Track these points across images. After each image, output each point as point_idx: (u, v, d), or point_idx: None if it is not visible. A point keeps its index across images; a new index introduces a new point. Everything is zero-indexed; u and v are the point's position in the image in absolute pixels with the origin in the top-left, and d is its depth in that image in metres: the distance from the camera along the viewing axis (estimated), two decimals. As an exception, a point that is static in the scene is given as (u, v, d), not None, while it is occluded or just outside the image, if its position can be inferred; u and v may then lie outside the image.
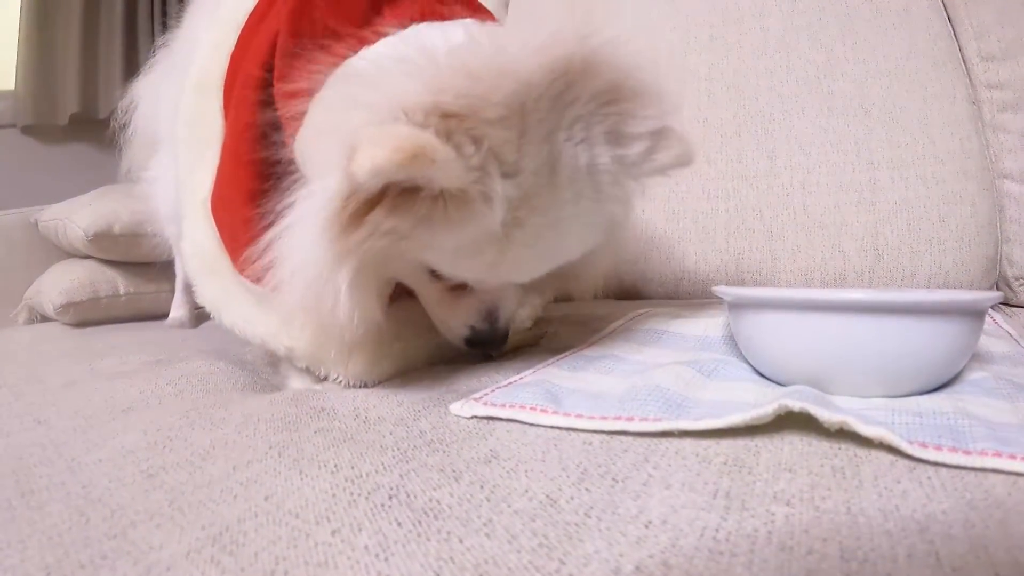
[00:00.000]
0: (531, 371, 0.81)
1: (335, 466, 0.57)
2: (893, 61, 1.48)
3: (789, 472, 0.50)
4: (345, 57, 0.82)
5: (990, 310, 1.05)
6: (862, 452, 0.53)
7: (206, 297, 0.99)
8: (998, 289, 1.41)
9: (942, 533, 0.41)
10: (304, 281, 0.74)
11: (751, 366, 0.76)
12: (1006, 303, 1.42)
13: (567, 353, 0.89)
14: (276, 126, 0.90)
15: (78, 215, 1.94)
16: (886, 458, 0.52)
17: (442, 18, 0.88)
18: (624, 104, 0.75)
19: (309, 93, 0.82)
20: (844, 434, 0.54)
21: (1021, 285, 1.39)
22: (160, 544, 0.48)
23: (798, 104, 1.50)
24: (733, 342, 0.82)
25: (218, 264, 0.95)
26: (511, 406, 0.66)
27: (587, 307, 1.31)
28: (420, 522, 0.47)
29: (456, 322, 0.89)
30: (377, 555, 0.44)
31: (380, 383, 0.92)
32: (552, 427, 0.63)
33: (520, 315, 1.03)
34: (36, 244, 2.23)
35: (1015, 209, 1.40)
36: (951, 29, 1.52)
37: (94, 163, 3.03)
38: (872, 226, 1.38)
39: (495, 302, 0.89)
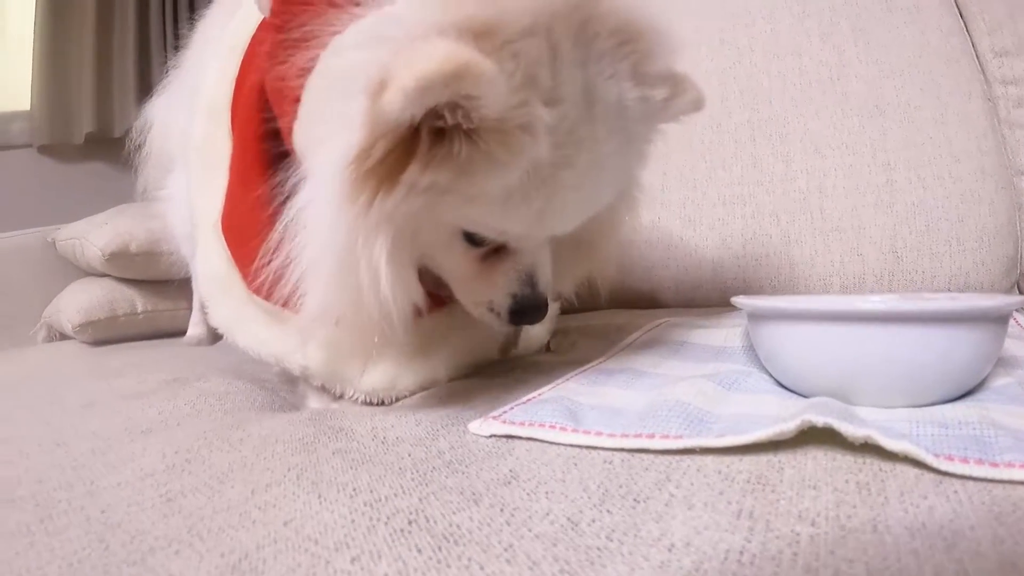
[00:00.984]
0: (549, 387, 0.80)
1: (354, 489, 0.56)
2: (906, 60, 1.47)
3: (813, 489, 0.50)
4: (333, 36, 0.77)
5: (1014, 313, 1.04)
6: (887, 466, 0.52)
7: (219, 318, 0.99)
8: (1019, 288, 1.40)
9: (970, 551, 0.41)
10: (329, 267, 0.71)
11: (772, 377, 0.76)
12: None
13: (586, 367, 0.89)
14: (278, 135, 0.90)
15: (95, 234, 1.96)
16: (912, 472, 0.51)
17: None
18: (640, 44, 0.73)
19: (302, 76, 0.80)
20: (868, 448, 0.53)
21: None
22: (180, 572, 0.48)
23: (812, 107, 1.50)
24: (753, 352, 0.81)
25: (230, 285, 0.96)
26: (530, 424, 0.66)
27: (605, 317, 1.31)
28: (440, 548, 0.46)
29: (498, 294, 0.84)
30: (397, 584, 0.44)
31: (398, 400, 0.92)
32: (572, 445, 0.62)
33: (538, 328, 1.03)
34: (54, 263, 2.26)
35: None
36: (963, 25, 1.52)
37: (110, 181, 3.04)
38: (890, 228, 1.38)
39: (533, 266, 0.85)
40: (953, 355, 0.63)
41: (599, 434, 0.62)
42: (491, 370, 0.98)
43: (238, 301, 0.95)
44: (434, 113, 0.63)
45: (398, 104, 0.60)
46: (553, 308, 1.02)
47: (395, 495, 0.55)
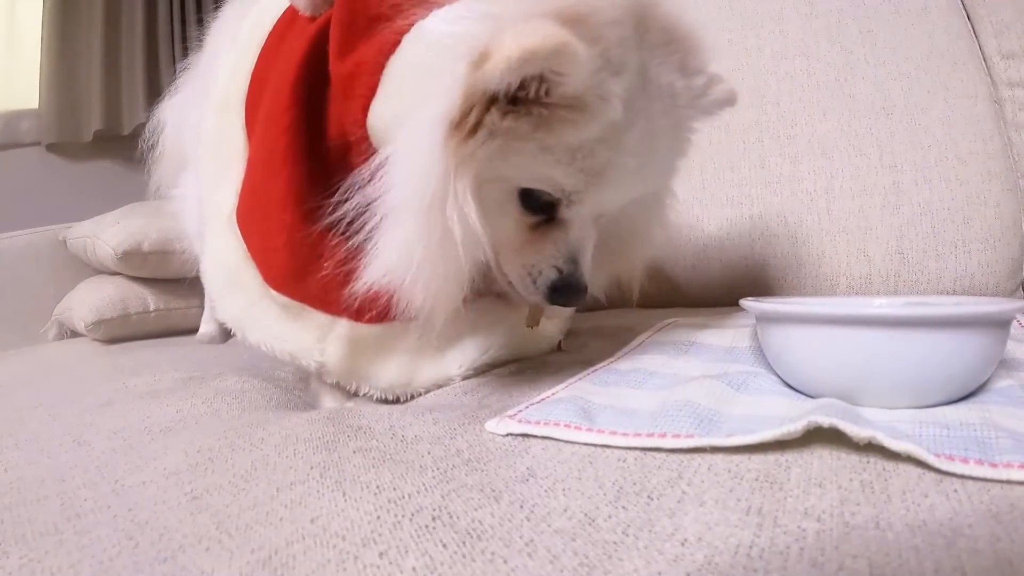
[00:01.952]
0: (563, 386, 0.82)
1: (377, 487, 0.58)
2: (913, 62, 1.49)
3: (819, 487, 0.52)
4: (413, 22, 0.83)
5: (1017, 316, 1.06)
6: (890, 465, 0.54)
7: (229, 314, 1.00)
8: (1023, 289, 1.42)
9: (968, 548, 0.43)
10: (419, 204, 0.75)
11: (780, 378, 0.78)
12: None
13: (598, 366, 0.91)
14: (321, 120, 0.94)
15: (107, 233, 1.98)
16: (914, 471, 0.53)
17: None
18: (684, 43, 0.83)
19: (382, 63, 0.85)
20: (872, 447, 0.56)
21: None
22: (211, 569, 0.50)
23: (819, 108, 1.52)
24: (761, 353, 0.83)
25: (243, 278, 0.97)
26: (545, 423, 0.68)
27: (614, 317, 1.32)
28: (464, 543, 0.49)
29: (544, 262, 0.87)
30: (426, 576, 0.46)
31: (413, 398, 0.94)
32: (587, 444, 0.64)
33: (551, 328, 1.05)
34: (64, 261, 2.29)
35: None
36: (971, 27, 1.54)
37: (118, 179, 3.08)
38: (896, 229, 1.40)
39: (578, 245, 0.88)
40: (956, 359, 0.65)
41: (613, 433, 0.64)
42: (503, 369, 0.99)
43: (250, 296, 0.97)
44: (521, 84, 0.70)
45: (500, 71, 0.68)
46: (565, 314, 1.05)
47: (418, 492, 0.57)
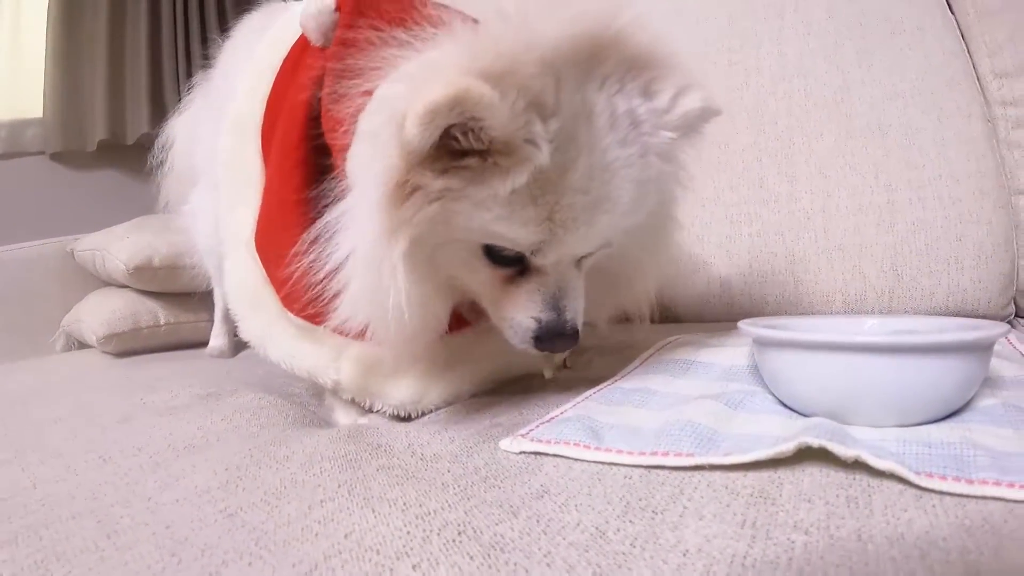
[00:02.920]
0: (571, 405, 0.87)
1: (404, 504, 0.64)
2: (908, 82, 1.53)
3: (808, 503, 0.58)
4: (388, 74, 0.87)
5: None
6: (874, 482, 0.60)
7: (251, 333, 1.06)
8: (1015, 304, 1.46)
9: (941, 560, 0.48)
10: (360, 262, 0.80)
11: (775, 397, 0.83)
12: (1023, 316, 1.48)
13: (603, 385, 0.96)
14: (325, 156, 0.98)
15: (117, 247, 2.02)
16: (896, 487, 0.59)
17: None
18: (652, 71, 0.83)
19: (353, 121, 0.89)
20: (859, 465, 0.61)
21: None
22: (256, 581, 0.55)
23: (817, 128, 1.56)
24: (758, 372, 0.88)
25: (262, 299, 1.03)
26: (556, 442, 0.74)
27: (617, 333, 1.36)
28: (489, 555, 0.54)
29: (521, 315, 0.87)
30: (457, 586, 0.52)
31: (424, 414, 0.99)
32: (595, 462, 0.70)
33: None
34: (72, 272, 2.31)
35: None
36: (965, 47, 1.57)
37: (122, 189, 3.11)
38: (891, 247, 1.44)
39: (559, 288, 0.87)
40: (940, 382, 0.71)
41: (619, 452, 0.70)
42: (512, 386, 1.04)
43: (270, 316, 1.02)
44: (448, 135, 0.74)
45: (416, 130, 0.71)
46: None
47: (442, 509, 0.62)
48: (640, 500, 0.61)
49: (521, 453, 0.75)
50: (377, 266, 0.79)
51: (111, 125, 3.11)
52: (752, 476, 0.63)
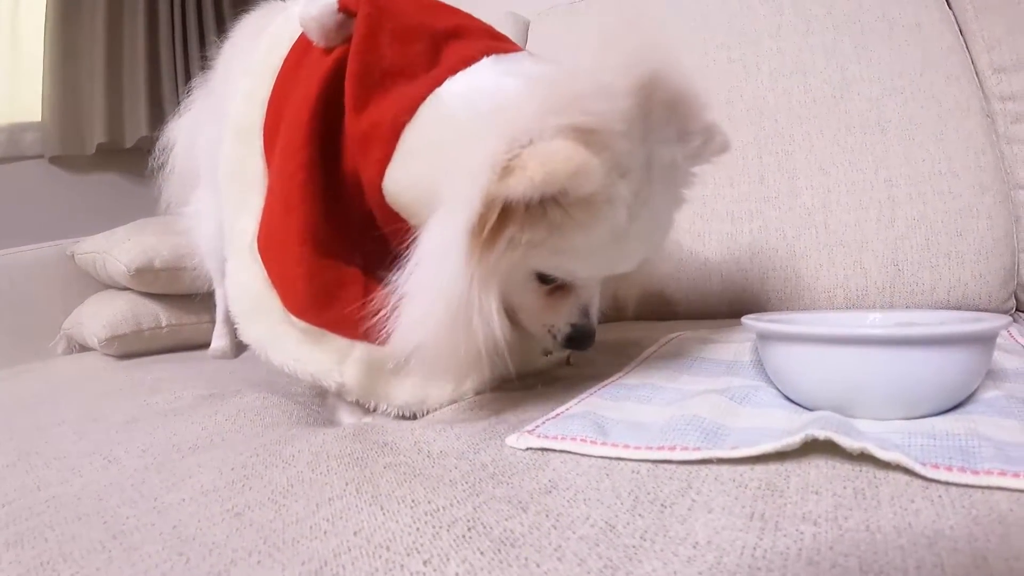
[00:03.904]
0: (576, 401, 0.88)
1: (412, 501, 0.64)
2: (907, 77, 1.54)
3: (816, 494, 0.58)
4: (434, 86, 0.91)
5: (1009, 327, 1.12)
6: (881, 474, 0.60)
7: (253, 337, 1.05)
8: (1016, 298, 1.47)
9: (948, 547, 0.49)
10: (447, 311, 0.80)
11: (779, 391, 0.83)
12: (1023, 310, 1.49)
13: (607, 382, 0.97)
14: (336, 157, 0.99)
15: (119, 250, 2.02)
16: (902, 479, 0.59)
17: (505, 51, 0.98)
18: (681, 107, 0.86)
19: (399, 126, 0.91)
20: (865, 457, 0.61)
21: None
22: (266, 579, 0.56)
23: (816, 124, 1.57)
24: (761, 367, 0.89)
25: (265, 303, 1.02)
26: (563, 438, 0.74)
27: (620, 331, 1.37)
28: (500, 550, 0.55)
29: (560, 321, 0.97)
30: (467, 581, 0.52)
31: (428, 413, 1.00)
32: (602, 457, 0.70)
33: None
34: (72, 275, 2.32)
35: None
36: (963, 42, 1.58)
37: (122, 192, 3.10)
38: (892, 242, 1.45)
39: (589, 300, 0.98)
40: (943, 374, 0.71)
41: (626, 447, 0.70)
42: (515, 384, 1.04)
43: (273, 320, 1.01)
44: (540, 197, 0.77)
45: (522, 188, 0.74)
46: None
47: (451, 505, 0.63)
48: (648, 494, 0.62)
49: (528, 449, 0.75)
50: (466, 313, 0.81)
51: (109, 128, 3.09)
52: (759, 469, 0.64)
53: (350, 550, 0.58)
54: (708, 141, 0.93)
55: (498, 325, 0.83)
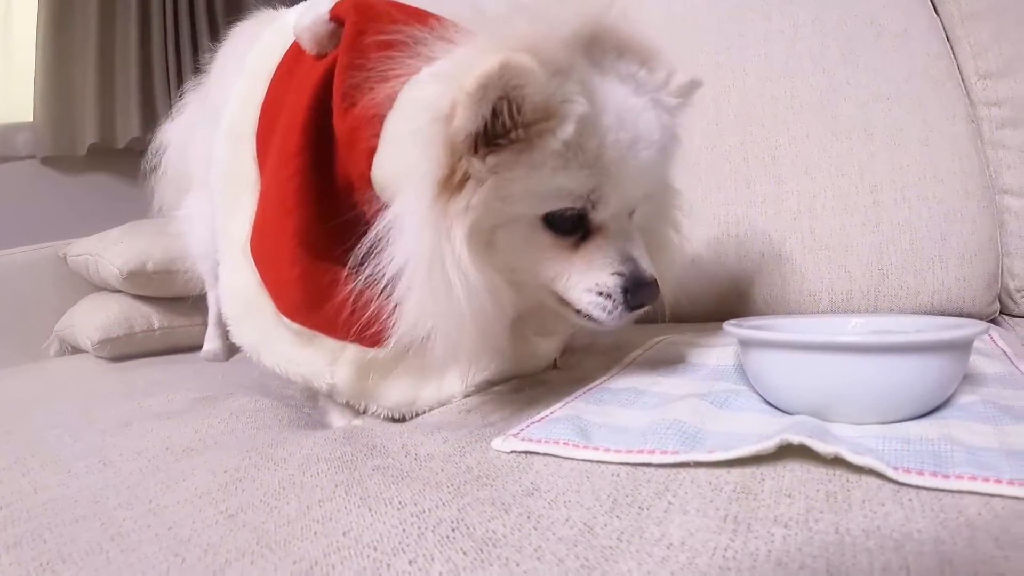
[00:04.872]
0: (560, 404, 0.90)
1: (399, 503, 0.66)
2: (894, 83, 1.56)
3: (788, 497, 0.60)
4: (410, 76, 0.92)
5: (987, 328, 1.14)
6: (853, 477, 0.62)
7: (245, 339, 1.08)
8: (1000, 301, 1.50)
9: (915, 550, 0.51)
10: (420, 269, 0.82)
11: (759, 395, 0.85)
12: (1008, 313, 1.52)
13: (591, 385, 0.99)
14: (328, 161, 1.01)
15: (111, 253, 2.04)
16: (874, 482, 0.61)
17: None
18: (643, 54, 0.92)
19: (381, 117, 0.93)
20: (839, 462, 0.63)
21: (1023, 296, 1.48)
22: (259, 578, 0.58)
23: (803, 129, 1.59)
24: (743, 371, 0.91)
25: (258, 305, 1.04)
26: (546, 441, 0.76)
27: (608, 334, 1.38)
28: (482, 550, 0.57)
29: (603, 275, 0.90)
30: (451, 579, 0.54)
31: (418, 415, 1.02)
32: (584, 460, 0.72)
33: (547, 346, 1.13)
34: (64, 277, 2.34)
35: (1016, 223, 1.50)
36: (949, 48, 1.60)
37: (114, 193, 3.13)
38: (876, 246, 1.47)
39: (625, 241, 0.92)
40: (917, 381, 0.73)
41: (607, 450, 0.72)
42: (502, 387, 1.06)
43: (266, 322, 1.04)
44: (494, 114, 0.79)
45: (469, 111, 0.77)
46: (565, 327, 1.12)
47: (436, 507, 0.65)
48: (627, 496, 0.64)
49: (512, 452, 0.77)
50: (440, 264, 0.81)
51: (101, 129, 3.12)
52: (735, 472, 0.66)
53: (339, 550, 0.60)
54: (672, 76, 0.96)
55: (473, 272, 0.82)
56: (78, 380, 1.67)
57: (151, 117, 3.10)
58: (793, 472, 0.65)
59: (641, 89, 0.91)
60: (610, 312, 0.91)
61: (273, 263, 1.02)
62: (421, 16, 0.99)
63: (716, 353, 1.04)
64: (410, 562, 0.57)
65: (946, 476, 0.59)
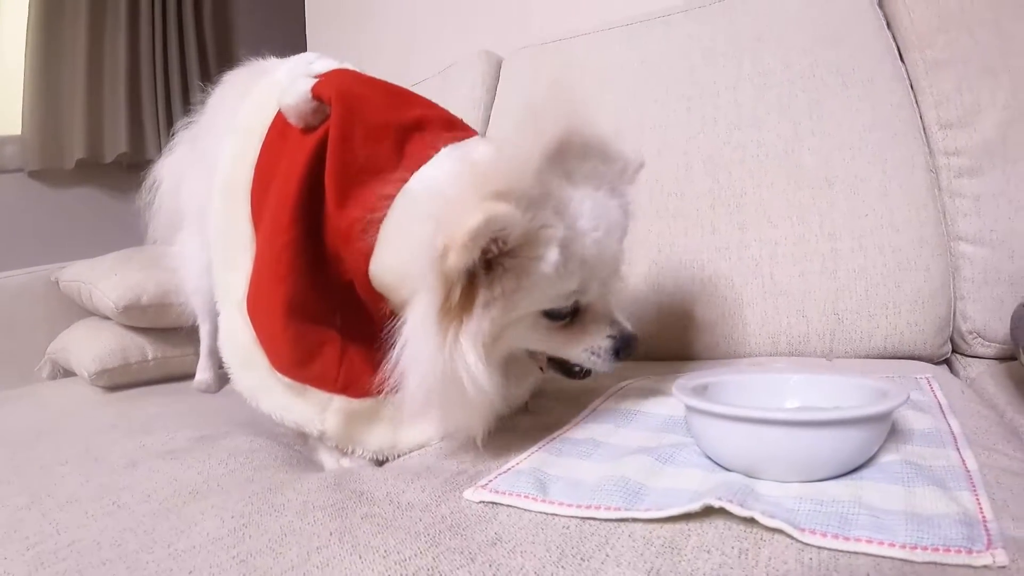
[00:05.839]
0: (525, 455, 1.04)
1: (384, 551, 0.80)
2: (856, 133, 1.67)
3: (707, 553, 0.72)
4: (402, 183, 1.08)
5: (928, 377, 1.26)
6: (767, 536, 0.73)
7: (244, 386, 1.22)
8: (952, 343, 1.62)
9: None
10: (437, 388, 0.97)
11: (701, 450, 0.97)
12: (961, 353, 1.63)
13: (555, 435, 1.12)
14: (318, 232, 1.15)
15: (105, 285, 2.15)
16: (783, 541, 0.72)
17: (460, 139, 1.15)
18: (597, 150, 1.06)
19: (376, 221, 1.08)
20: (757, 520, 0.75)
21: (975, 338, 1.59)
22: (273, 620, 0.72)
23: (767, 178, 1.71)
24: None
25: (254, 359, 1.19)
26: (510, 493, 0.90)
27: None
28: (449, 597, 0.71)
29: (596, 340, 1.09)
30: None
31: (399, 457, 1.16)
32: (541, 512, 0.86)
33: (518, 390, 1.24)
34: (56, 299, 2.45)
35: (970, 269, 1.59)
36: (913, 97, 1.70)
37: (101, 207, 3.23)
38: (833, 292, 1.59)
39: (611, 314, 1.11)
40: (838, 450, 0.84)
41: (561, 504, 0.86)
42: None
43: (262, 373, 1.18)
44: (483, 252, 0.92)
45: (461, 258, 0.90)
46: (537, 373, 1.24)
47: (414, 555, 0.78)
48: (573, 548, 0.77)
49: (481, 503, 0.91)
50: (454, 378, 0.97)
51: (89, 143, 3.21)
52: (667, 527, 0.78)
53: (337, 595, 0.74)
54: (626, 164, 1.11)
55: (487, 381, 0.97)
56: (77, 411, 1.79)
57: (139, 132, 3.18)
58: (716, 528, 0.76)
59: (604, 183, 1.06)
60: (599, 366, 1.11)
61: (267, 323, 1.17)
62: (403, 104, 1.14)
63: (671, 403, 1.16)
64: (393, 607, 0.71)
65: (846, 538, 0.69)
